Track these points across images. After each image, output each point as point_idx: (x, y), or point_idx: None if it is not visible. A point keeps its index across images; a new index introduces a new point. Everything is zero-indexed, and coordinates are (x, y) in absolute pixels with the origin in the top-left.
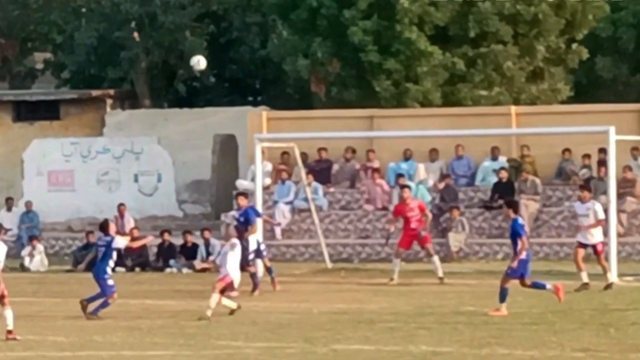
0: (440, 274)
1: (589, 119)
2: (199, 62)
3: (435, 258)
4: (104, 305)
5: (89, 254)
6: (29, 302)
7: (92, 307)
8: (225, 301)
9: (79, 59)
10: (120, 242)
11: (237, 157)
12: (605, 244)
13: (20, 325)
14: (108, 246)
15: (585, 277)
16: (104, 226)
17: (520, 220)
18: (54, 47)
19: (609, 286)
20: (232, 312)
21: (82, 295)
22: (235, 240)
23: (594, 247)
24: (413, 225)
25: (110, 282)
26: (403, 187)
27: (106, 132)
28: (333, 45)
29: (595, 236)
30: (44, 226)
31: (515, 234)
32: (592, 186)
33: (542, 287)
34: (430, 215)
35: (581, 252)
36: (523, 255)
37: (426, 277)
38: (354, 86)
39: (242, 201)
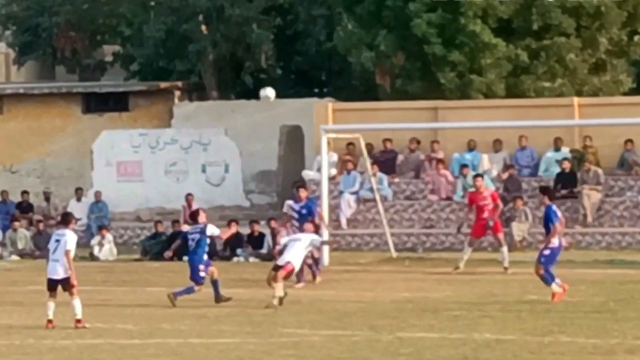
0: (506, 264)
1: None
2: (268, 96)
3: (505, 248)
4: (188, 291)
5: (158, 243)
6: (98, 290)
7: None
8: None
9: (148, 52)
10: (213, 230)
11: (303, 148)
12: None
13: (89, 313)
14: (202, 233)
15: None
16: (194, 215)
17: (554, 207)
18: (122, 40)
19: None
20: (281, 300)
21: (151, 284)
22: (316, 237)
23: None
24: (485, 214)
25: (202, 273)
26: (476, 176)
27: (174, 123)
28: (398, 38)
29: None
30: (113, 216)
31: (548, 219)
32: None
33: (551, 280)
34: (501, 205)
35: None
36: (555, 243)
37: (490, 266)
38: (419, 78)
39: (303, 193)
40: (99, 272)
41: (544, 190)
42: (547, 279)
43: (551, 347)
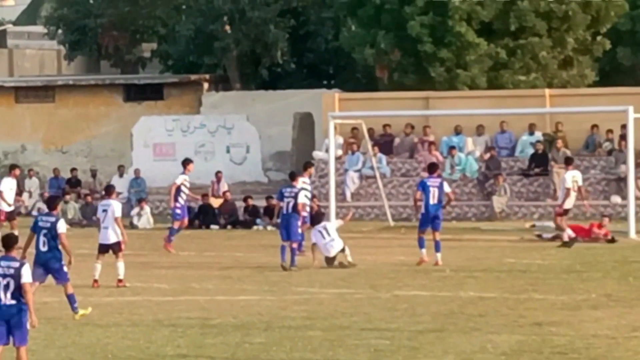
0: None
1: (612, 100)
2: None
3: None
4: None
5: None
6: (136, 254)
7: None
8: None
9: (180, 49)
10: (302, 198)
11: (314, 132)
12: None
13: (129, 274)
14: (296, 197)
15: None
16: (293, 176)
17: (425, 180)
18: (158, 38)
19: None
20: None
21: (182, 249)
22: None
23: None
24: None
25: (300, 230)
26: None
27: (203, 110)
28: (395, 37)
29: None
30: (150, 190)
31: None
32: (614, 157)
33: (420, 247)
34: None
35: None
36: (422, 210)
37: (474, 233)
38: (413, 72)
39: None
40: (137, 239)
41: (428, 166)
42: (419, 244)
43: (526, 304)
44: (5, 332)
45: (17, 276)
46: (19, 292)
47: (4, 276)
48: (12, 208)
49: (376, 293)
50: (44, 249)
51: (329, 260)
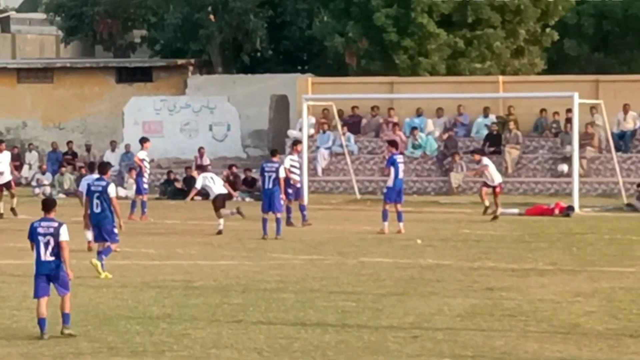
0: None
1: (559, 87)
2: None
3: None
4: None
5: (170, 186)
6: (125, 222)
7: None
8: None
9: (168, 35)
10: (283, 172)
11: (289, 113)
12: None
13: (119, 239)
14: (277, 172)
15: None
16: (274, 152)
17: (394, 156)
18: (148, 25)
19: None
20: None
21: (167, 217)
22: None
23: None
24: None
25: (282, 202)
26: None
27: (188, 92)
28: (362, 27)
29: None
30: None
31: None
32: (560, 138)
33: (384, 219)
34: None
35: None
36: (390, 184)
37: (432, 206)
38: (379, 59)
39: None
40: (126, 208)
41: (390, 142)
42: (383, 216)
43: (479, 271)
44: (47, 285)
45: (56, 235)
46: (57, 249)
47: (45, 235)
48: (7, 179)
49: (344, 259)
50: (97, 210)
51: (215, 200)
